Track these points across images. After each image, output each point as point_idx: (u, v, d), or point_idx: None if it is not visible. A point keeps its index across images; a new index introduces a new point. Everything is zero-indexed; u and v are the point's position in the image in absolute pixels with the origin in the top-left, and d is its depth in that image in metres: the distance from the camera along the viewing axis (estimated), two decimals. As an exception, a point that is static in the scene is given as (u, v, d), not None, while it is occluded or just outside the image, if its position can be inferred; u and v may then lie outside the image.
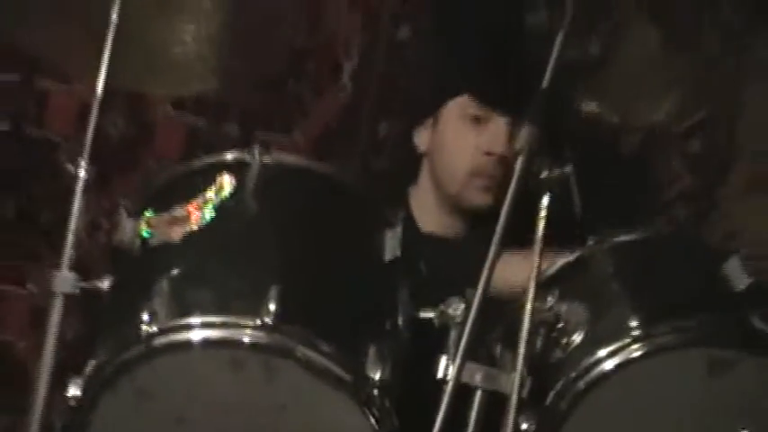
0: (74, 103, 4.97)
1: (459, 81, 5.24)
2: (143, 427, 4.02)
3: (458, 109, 5.09)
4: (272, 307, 3.73)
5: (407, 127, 5.49)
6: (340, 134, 5.26)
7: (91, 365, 3.92)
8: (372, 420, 3.87)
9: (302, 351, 3.80)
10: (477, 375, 3.90)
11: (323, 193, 4.38)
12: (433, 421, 3.74)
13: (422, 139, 5.22)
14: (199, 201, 4.09)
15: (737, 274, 4.21)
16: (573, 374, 3.98)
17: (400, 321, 4.18)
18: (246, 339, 3.78)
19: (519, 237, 4.03)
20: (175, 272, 3.94)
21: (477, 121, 4.99)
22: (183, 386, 3.93)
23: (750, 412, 3.56)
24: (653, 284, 4.25)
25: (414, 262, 4.52)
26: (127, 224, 4.20)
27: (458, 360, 3.81)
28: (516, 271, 4.28)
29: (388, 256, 4.28)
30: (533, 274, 3.97)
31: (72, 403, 3.89)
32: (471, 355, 3.87)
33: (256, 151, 4.16)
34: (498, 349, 4.15)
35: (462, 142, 5.03)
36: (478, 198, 4.83)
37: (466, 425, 3.98)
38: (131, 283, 4.08)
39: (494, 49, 4.84)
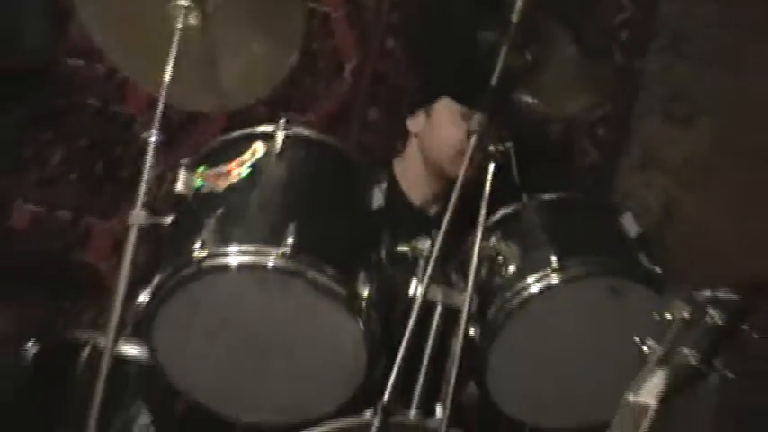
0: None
1: (442, 87, 5.31)
2: (193, 332, 4.17)
3: (450, 107, 5.17)
4: (289, 240, 3.93)
5: (390, 114, 5.61)
6: (341, 116, 5.42)
7: (155, 281, 4.12)
8: (361, 325, 4.05)
9: (311, 273, 3.98)
10: (437, 294, 4.19)
11: (329, 158, 4.57)
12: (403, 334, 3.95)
13: (415, 124, 5.30)
14: (238, 161, 4.28)
15: (630, 225, 4.56)
16: (508, 295, 4.28)
17: (383, 254, 4.40)
18: (270, 264, 3.96)
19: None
20: (219, 213, 4.10)
21: (463, 116, 4.99)
22: (223, 299, 4.11)
23: (638, 325, 3.39)
24: (569, 231, 4.52)
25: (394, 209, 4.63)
26: (185, 177, 4.35)
27: (424, 282, 4.03)
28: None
29: (375, 205, 4.46)
30: (480, 220, 4.24)
31: (140, 309, 4.13)
32: (434, 279, 4.08)
33: (281, 126, 4.33)
34: (454, 275, 4.43)
35: (454, 129, 5.07)
36: (453, 169, 4.73)
37: (426, 337, 4.23)
38: (187, 221, 4.22)
39: (462, 61, 4.97)
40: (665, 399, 3.13)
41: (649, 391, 3.13)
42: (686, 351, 3.19)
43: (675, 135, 5.35)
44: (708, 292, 3.27)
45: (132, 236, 4.20)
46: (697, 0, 5.60)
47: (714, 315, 3.20)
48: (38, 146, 5.32)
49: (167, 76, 4.37)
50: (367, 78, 5.61)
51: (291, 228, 4.07)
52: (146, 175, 4.26)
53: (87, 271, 4.97)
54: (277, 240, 4.04)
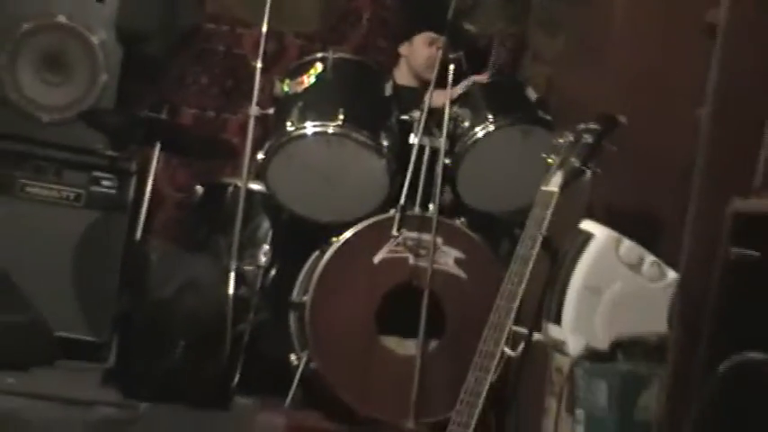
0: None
1: (418, 22, 4.94)
2: (290, 173, 4.20)
3: (423, 36, 4.79)
4: (341, 117, 4.05)
5: (390, 43, 5.23)
6: (364, 46, 5.22)
7: (266, 145, 4.19)
8: (384, 162, 4.14)
9: (353, 134, 4.11)
10: (426, 140, 4.14)
11: (359, 67, 4.52)
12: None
13: (404, 49, 4.91)
14: (307, 74, 4.30)
15: (531, 94, 4.42)
16: (465, 139, 4.23)
17: (394, 121, 4.35)
18: (330, 131, 4.10)
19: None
20: (300, 104, 4.18)
21: (431, 41, 4.69)
22: (306, 155, 4.18)
23: (542, 151, 3.23)
24: (498, 99, 4.33)
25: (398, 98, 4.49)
26: (278, 86, 4.41)
27: (419, 133, 4.13)
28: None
29: (387, 93, 4.45)
30: (448, 97, 4.19)
31: (259, 162, 4.16)
32: (425, 132, 4.15)
33: (330, 52, 4.34)
34: (435, 130, 4.22)
35: (426, 50, 4.74)
36: (428, 74, 4.40)
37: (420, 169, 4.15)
38: (282, 110, 4.25)
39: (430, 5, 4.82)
40: (562, 187, 3.08)
41: (554, 183, 3.09)
42: (572, 159, 3.10)
43: (549, 43, 5.18)
44: (582, 125, 3.17)
45: (251, 122, 4.27)
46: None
47: (587, 137, 3.12)
48: (194, 73, 5.13)
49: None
50: (376, 22, 5.42)
51: (341, 110, 4.14)
52: (256, 85, 4.29)
53: (227, 144, 4.78)
54: (333, 117, 4.14)
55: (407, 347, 4.04)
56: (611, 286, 3.03)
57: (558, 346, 3.13)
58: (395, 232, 4.02)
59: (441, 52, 4.40)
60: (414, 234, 4.06)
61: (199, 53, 5.06)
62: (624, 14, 3.47)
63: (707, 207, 2.61)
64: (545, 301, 3.16)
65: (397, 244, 4.05)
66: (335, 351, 4.04)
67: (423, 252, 4.02)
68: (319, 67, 4.36)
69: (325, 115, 4.20)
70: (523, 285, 3.01)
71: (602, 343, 2.93)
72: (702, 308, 2.25)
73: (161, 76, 4.99)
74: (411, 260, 4.03)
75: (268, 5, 4.33)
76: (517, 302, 3.01)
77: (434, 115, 4.25)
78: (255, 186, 4.35)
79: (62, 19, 4.36)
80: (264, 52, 4.34)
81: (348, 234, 4.10)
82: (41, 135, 4.40)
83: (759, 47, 2.57)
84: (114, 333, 4.26)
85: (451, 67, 4.20)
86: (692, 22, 3.20)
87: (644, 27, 3.37)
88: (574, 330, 3.00)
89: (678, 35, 3.19)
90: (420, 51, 4.83)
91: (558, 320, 3.17)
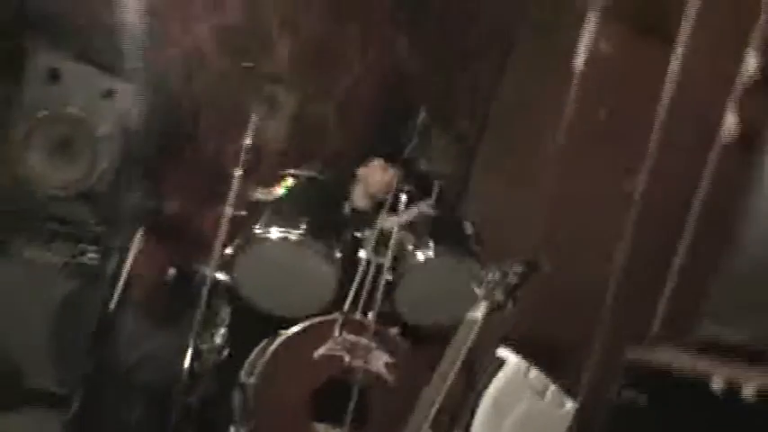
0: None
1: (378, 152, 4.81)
2: (253, 269, 4.19)
3: (379, 163, 4.74)
4: (302, 227, 4.12)
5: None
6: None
7: (235, 242, 4.20)
8: (333, 270, 4.13)
9: (310, 243, 4.13)
10: (372, 256, 4.11)
11: (325, 187, 4.56)
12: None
13: (361, 171, 4.77)
14: (279, 185, 4.38)
15: (468, 228, 4.43)
16: (407, 260, 4.23)
17: (348, 237, 4.36)
18: (292, 238, 4.13)
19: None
20: (269, 211, 4.30)
21: (385, 168, 4.69)
22: (268, 255, 4.18)
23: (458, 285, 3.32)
24: (441, 231, 4.30)
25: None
26: (252, 191, 4.45)
27: (369, 250, 4.11)
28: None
29: (345, 211, 4.52)
30: (397, 223, 4.06)
31: (228, 255, 4.18)
32: (373, 250, 4.11)
33: (301, 170, 4.44)
34: (381, 249, 4.10)
35: (381, 175, 4.68)
36: (381, 195, 4.45)
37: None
38: (252, 214, 4.28)
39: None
40: (485, 316, 3.10)
41: (479, 311, 3.12)
42: (497, 293, 3.13)
43: (488, 183, 5.15)
44: (510, 264, 3.20)
45: (224, 221, 4.19)
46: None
47: (512, 277, 3.14)
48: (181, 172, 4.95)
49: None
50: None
51: (303, 221, 4.17)
52: (233, 190, 4.19)
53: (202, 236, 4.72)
54: (295, 226, 4.16)
55: (334, 435, 4.06)
56: (517, 407, 2.99)
57: None
58: (336, 333, 4.00)
59: (395, 181, 4.34)
60: (352, 337, 4.01)
61: (188, 155, 5.05)
62: (554, 178, 3.48)
63: (607, 349, 2.61)
64: (459, 413, 3.14)
65: (337, 344, 4.01)
66: (271, 428, 4.01)
67: (357, 353, 3.98)
68: (289, 181, 4.41)
69: (289, 223, 4.21)
70: (441, 396, 3.03)
71: None
72: None
73: (153, 169, 4.96)
74: (346, 359, 3.99)
75: (252, 123, 4.28)
76: (434, 410, 3.03)
77: (383, 236, 4.18)
78: (221, 276, 4.27)
79: (73, 110, 4.34)
80: (244, 163, 4.27)
81: (295, 329, 4.06)
82: (39, 206, 4.36)
83: (666, 210, 2.59)
84: (78, 388, 4.16)
85: (403, 196, 4.16)
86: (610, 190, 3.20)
87: (569, 191, 3.38)
88: None
89: (599, 198, 3.20)
90: (376, 176, 4.73)
91: None
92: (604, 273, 2.79)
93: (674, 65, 2.61)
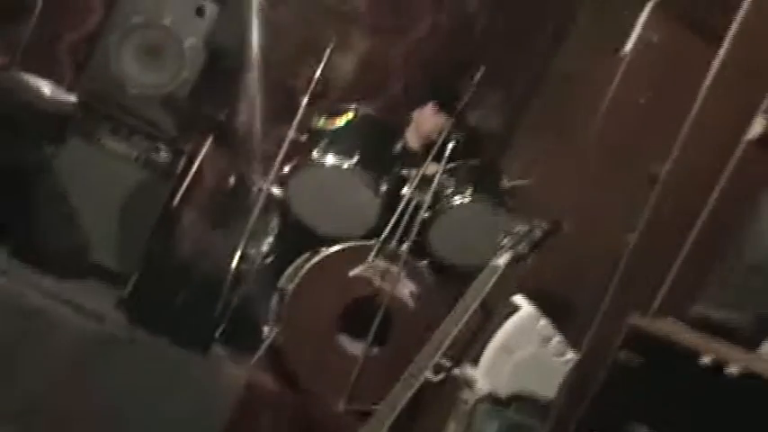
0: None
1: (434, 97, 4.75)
2: (306, 190, 4.24)
3: (433, 107, 4.73)
4: (355, 158, 4.13)
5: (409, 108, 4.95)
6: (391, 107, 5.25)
7: (293, 162, 4.24)
8: (378, 201, 4.16)
9: (360, 174, 4.16)
10: (414, 194, 4.15)
11: (381, 125, 4.48)
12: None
13: (416, 113, 4.81)
14: (340, 117, 4.32)
15: (505, 182, 4.33)
16: (444, 202, 4.20)
17: (395, 173, 4.34)
18: (344, 167, 4.17)
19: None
20: (327, 139, 4.27)
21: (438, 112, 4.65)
22: (321, 179, 4.23)
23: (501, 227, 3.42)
24: (481, 180, 4.25)
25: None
26: (315, 119, 4.37)
27: (411, 188, 4.17)
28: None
29: (395, 151, 4.47)
30: (441, 169, 4.10)
31: (285, 173, 4.23)
32: (416, 189, 4.16)
33: (362, 107, 4.37)
34: (424, 189, 4.13)
35: (434, 119, 4.61)
36: (433, 137, 4.29)
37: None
38: (312, 140, 4.29)
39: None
40: (507, 265, 3.07)
41: (502, 260, 3.09)
42: (521, 245, 3.09)
43: (530, 145, 5.15)
44: (536, 221, 3.17)
45: (287, 142, 4.21)
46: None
47: (537, 232, 3.12)
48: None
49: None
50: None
51: (357, 153, 4.16)
52: (299, 115, 4.23)
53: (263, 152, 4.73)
54: (349, 157, 4.16)
55: (355, 348, 4.04)
56: (523, 349, 2.99)
57: (470, 384, 3.09)
58: (371, 258, 4.03)
59: (446, 127, 4.34)
60: (384, 263, 4.04)
61: (262, 76, 5.02)
62: (590, 152, 3.43)
63: (613, 313, 2.58)
64: (470, 346, 3.15)
65: (370, 267, 4.03)
66: (300, 334, 4.03)
67: (387, 278, 4.01)
68: (350, 115, 4.35)
69: (344, 153, 4.20)
70: (458, 329, 3.02)
71: (503, 392, 2.90)
72: (588, 390, 2.26)
73: (228, 85, 4.96)
74: (377, 282, 4.02)
75: (326, 57, 4.29)
76: (449, 341, 3.03)
77: (426, 178, 4.20)
78: (276, 191, 4.30)
79: (166, 21, 4.36)
80: (312, 92, 4.28)
81: (335, 248, 4.08)
82: (126, 103, 4.37)
83: (685, 197, 2.55)
84: (135, 270, 4.19)
85: (450, 144, 4.16)
86: (638, 170, 3.16)
87: (602, 166, 3.35)
88: (485, 375, 2.95)
89: (627, 176, 3.18)
90: (429, 118, 4.73)
91: (475, 364, 3.12)
92: (620, 245, 2.74)
93: (715, 63, 2.58)
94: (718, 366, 1.83)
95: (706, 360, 1.87)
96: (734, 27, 2.52)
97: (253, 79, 4.98)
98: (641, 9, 3.42)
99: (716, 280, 2.09)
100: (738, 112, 2.29)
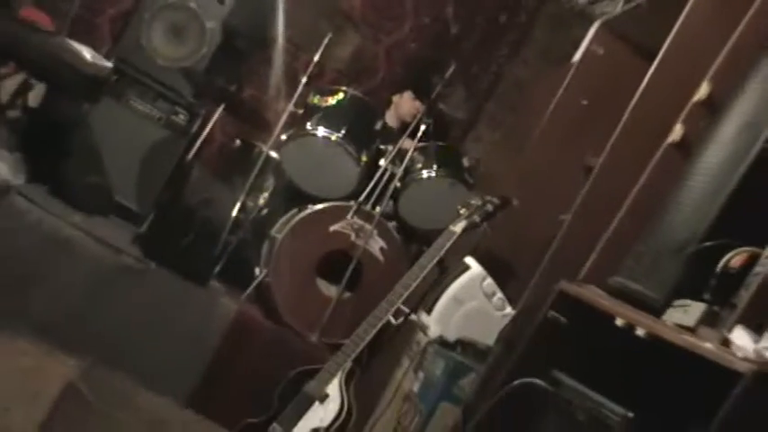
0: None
1: (411, 85, 4.84)
2: (298, 157, 4.15)
3: (410, 94, 4.77)
4: (342, 132, 4.06)
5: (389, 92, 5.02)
6: (375, 89, 5.29)
7: (290, 131, 4.14)
8: (358, 170, 4.09)
9: (345, 145, 4.05)
10: (389, 166, 4.12)
11: (366, 106, 4.36)
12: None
13: (395, 97, 4.85)
14: (332, 96, 4.24)
15: (465, 162, 4.24)
16: (414, 175, 4.13)
17: (374, 147, 4.26)
18: (332, 138, 4.09)
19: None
20: (319, 114, 4.16)
21: (415, 98, 4.69)
22: (312, 147, 4.12)
23: (460, 200, 3.47)
24: (445, 158, 4.20)
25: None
26: (310, 96, 4.26)
27: (387, 161, 4.12)
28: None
29: (377, 126, 4.34)
30: (413, 146, 4.08)
31: (282, 140, 4.15)
32: (391, 161, 4.13)
33: (351, 89, 4.33)
34: (397, 162, 4.16)
35: (410, 104, 4.69)
36: (408, 119, 4.48)
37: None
38: (307, 113, 4.17)
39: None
40: (462, 231, 3.09)
41: (458, 226, 3.10)
42: (475, 215, 3.10)
43: (489, 133, 5.22)
44: (489, 197, 3.18)
45: (285, 114, 4.23)
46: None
47: (489, 206, 3.11)
48: (261, 69, 5.02)
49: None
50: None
51: (344, 128, 4.09)
52: (298, 92, 4.23)
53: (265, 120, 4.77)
54: (337, 130, 4.08)
55: (330, 290, 4.02)
56: (470, 303, 2.99)
57: (423, 328, 3.08)
58: (349, 216, 4.00)
59: (420, 112, 4.32)
60: (360, 221, 4.01)
61: (269, 57, 5.00)
62: (538, 142, 3.43)
63: (546, 278, 2.63)
64: (426, 296, 3.15)
65: (348, 224, 4.00)
66: (285, 275, 4.00)
67: (361, 235, 3.98)
68: (341, 95, 4.29)
69: (333, 127, 4.14)
70: (416, 282, 3.05)
71: (451, 337, 2.89)
72: (520, 341, 2.26)
73: (239, 62, 4.93)
74: (352, 237, 3.99)
75: (323, 46, 4.27)
76: (408, 291, 3.05)
77: (400, 153, 4.18)
78: (273, 154, 4.27)
79: (191, 4, 4.33)
80: (310, 74, 4.27)
81: (319, 206, 4.06)
82: (153, 72, 4.35)
83: (613, 186, 2.54)
84: (151, 212, 4.22)
85: (422, 126, 4.15)
86: (576, 161, 3.16)
87: (547, 155, 3.34)
88: (437, 322, 2.95)
89: (567, 165, 3.18)
90: (406, 103, 4.70)
91: (429, 312, 3.12)
92: (557, 222, 2.73)
93: (647, 77, 2.59)
94: (629, 327, 1.83)
95: (619, 322, 1.87)
96: (664, 49, 2.54)
97: (261, 59, 4.96)
98: (590, 26, 3.40)
99: (632, 257, 2.09)
100: (662, 118, 2.30)
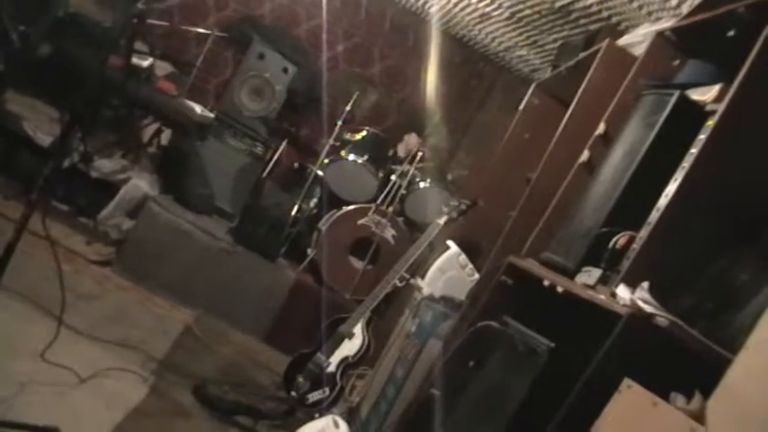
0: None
1: (413, 128, 4.69)
2: (336, 174, 4.11)
3: (414, 135, 4.58)
4: (365, 157, 4.02)
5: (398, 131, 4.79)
6: (389, 127, 5.24)
7: (330, 158, 4.11)
8: (376, 182, 4.05)
9: (368, 166, 4.02)
10: (398, 180, 4.03)
11: (383, 140, 4.29)
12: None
13: (405, 135, 4.61)
14: (358, 133, 4.22)
15: (449, 176, 4.24)
16: (414, 186, 4.06)
17: (388, 167, 4.20)
18: (359, 161, 4.03)
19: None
20: (350, 145, 4.17)
21: (416, 137, 4.58)
22: (345, 168, 4.06)
23: (438, 204, 3.37)
24: (436, 174, 4.13)
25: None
26: (344, 133, 4.21)
27: (396, 176, 4.03)
28: None
29: (390, 154, 4.29)
30: (413, 166, 4.00)
31: (325, 163, 4.18)
32: (399, 176, 4.04)
33: (371, 128, 4.27)
34: (403, 177, 4.03)
35: (414, 141, 4.52)
36: (412, 151, 4.25)
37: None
38: (341, 145, 4.16)
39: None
40: (445, 223, 3.08)
41: (442, 220, 3.08)
42: (453, 212, 3.06)
43: (464, 155, 5.26)
44: (462, 200, 3.14)
45: (327, 146, 4.15)
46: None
47: (462, 206, 3.08)
48: (312, 116, 5.05)
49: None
50: (396, 122, 5.43)
51: (367, 155, 4.10)
52: (335, 131, 4.19)
53: (313, 152, 4.85)
54: (362, 156, 4.09)
55: (358, 264, 3.99)
56: (450, 271, 2.95)
57: (418, 288, 3.03)
58: (370, 213, 3.96)
59: (419, 145, 4.32)
60: (378, 217, 3.97)
61: (317, 108, 4.98)
62: (496, 163, 3.41)
63: (500, 254, 2.55)
64: (421, 267, 3.15)
65: (370, 219, 3.96)
66: (327, 254, 3.96)
67: (379, 226, 3.95)
68: (365, 132, 4.27)
69: (359, 154, 4.13)
70: (413, 258, 3.05)
71: (437, 294, 2.83)
72: (481, 297, 2.24)
73: (298, 112, 4.92)
74: (373, 228, 3.96)
75: (353, 100, 4.24)
76: (408, 264, 3.06)
77: (405, 171, 4.11)
78: (320, 172, 4.21)
79: (267, 75, 4.30)
80: (344, 118, 4.22)
81: (350, 207, 4.01)
82: (241, 119, 4.31)
83: (543, 192, 2.48)
84: (239, 212, 4.19)
85: (419, 154, 4.11)
86: (520, 175, 3.11)
87: (502, 171, 3.32)
88: (427, 284, 2.93)
89: (514, 178, 3.16)
90: (412, 139, 4.64)
91: (422, 277, 3.05)
92: (508, 216, 2.72)
93: (565, 120, 2.58)
94: (552, 287, 1.82)
95: (546, 283, 1.86)
96: (576, 100, 2.54)
97: (312, 109, 4.96)
98: (529, 86, 3.40)
99: (556, 239, 2.07)
100: (575, 146, 2.28)
